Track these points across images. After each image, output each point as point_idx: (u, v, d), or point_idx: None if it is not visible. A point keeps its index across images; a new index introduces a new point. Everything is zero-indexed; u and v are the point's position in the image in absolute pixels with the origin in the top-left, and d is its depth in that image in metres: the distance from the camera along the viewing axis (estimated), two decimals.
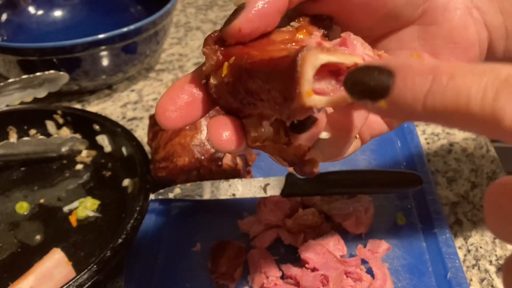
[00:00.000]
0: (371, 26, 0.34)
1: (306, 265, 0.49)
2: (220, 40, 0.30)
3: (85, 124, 0.66)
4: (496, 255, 0.53)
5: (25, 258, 0.54)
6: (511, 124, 0.19)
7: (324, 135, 0.30)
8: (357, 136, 0.36)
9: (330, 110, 0.29)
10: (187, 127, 0.55)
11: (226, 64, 0.29)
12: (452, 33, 0.34)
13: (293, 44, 0.29)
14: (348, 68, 0.25)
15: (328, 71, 0.25)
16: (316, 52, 0.24)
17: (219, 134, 0.29)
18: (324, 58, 0.24)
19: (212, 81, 0.30)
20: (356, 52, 0.27)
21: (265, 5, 0.29)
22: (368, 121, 0.34)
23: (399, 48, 0.35)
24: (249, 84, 0.28)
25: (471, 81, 0.20)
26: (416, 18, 0.34)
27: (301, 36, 0.30)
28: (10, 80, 0.64)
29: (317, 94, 0.25)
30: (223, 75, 0.29)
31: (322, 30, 0.31)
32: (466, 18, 0.34)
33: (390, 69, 0.22)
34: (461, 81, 0.20)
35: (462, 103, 0.20)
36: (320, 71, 0.24)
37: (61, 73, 0.66)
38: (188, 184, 0.50)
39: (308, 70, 0.24)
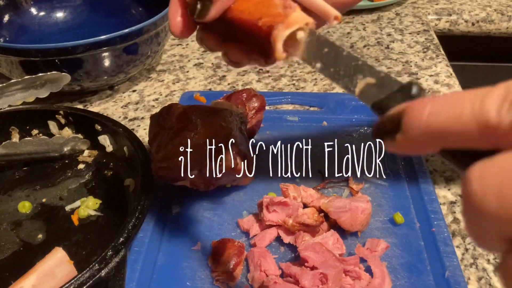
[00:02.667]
0: None
1: (306, 264, 0.49)
2: None
3: (87, 124, 0.67)
4: (493, 254, 0.53)
5: (27, 257, 0.54)
6: (496, 120, 0.23)
7: None
8: None
9: None
10: (187, 128, 0.56)
11: None
12: None
13: None
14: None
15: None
16: (282, 30, 0.35)
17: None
18: (287, 32, 0.35)
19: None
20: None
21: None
22: None
23: None
24: (230, 30, 0.39)
25: (463, 98, 0.24)
26: None
27: None
28: (13, 81, 0.64)
29: (286, 47, 0.36)
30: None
31: None
32: None
33: (400, 110, 0.27)
34: (455, 99, 0.25)
35: (457, 113, 0.24)
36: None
37: (63, 73, 0.67)
38: None
39: (279, 44, 0.36)
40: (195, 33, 0.43)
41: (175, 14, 0.41)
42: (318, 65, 0.34)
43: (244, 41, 0.39)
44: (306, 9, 0.39)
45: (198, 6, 0.38)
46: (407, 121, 0.26)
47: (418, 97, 0.28)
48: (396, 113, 0.27)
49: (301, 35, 0.36)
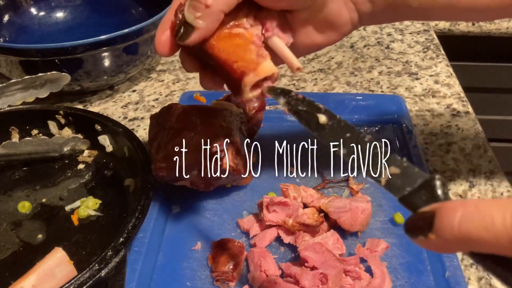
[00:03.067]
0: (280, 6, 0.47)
1: (306, 264, 0.49)
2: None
3: (87, 124, 0.66)
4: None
5: (27, 257, 0.54)
6: None
7: None
8: None
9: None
10: (187, 128, 0.56)
11: None
12: (331, 18, 0.49)
13: (238, 29, 0.44)
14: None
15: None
16: (252, 77, 0.41)
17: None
18: (255, 78, 0.41)
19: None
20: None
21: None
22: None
23: (297, 23, 0.49)
24: (209, 61, 0.44)
25: (493, 209, 0.26)
26: (309, 6, 0.47)
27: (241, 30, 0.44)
28: (13, 81, 0.64)
29: (252, 90, 0.42)
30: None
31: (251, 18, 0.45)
32: (341, 7, 0.49)
33: (432, 210, 0.29)
34: (485, 208, 0.27)
35: (488, 223, 0.26)
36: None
37: (63, 73, 0.67)
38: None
39: (248, 88, 0.42)
40: None
41: (161, 34, 0.45)
42: (344, 151, 0.37)
43: (220, 74, 0.45)
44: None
45: (181, 30, 0.43)
46: (439, 223, 0.28)
47: (442, 195, 0.31)
48: (428, 212, 0.29)
49: (322, 118, 0.39)
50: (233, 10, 0.43)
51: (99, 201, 0.60)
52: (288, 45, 0.47)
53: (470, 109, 0.76)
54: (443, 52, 0.92)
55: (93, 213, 0.59)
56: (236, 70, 0.42)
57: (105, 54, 0.74)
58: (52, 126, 0.68)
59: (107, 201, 0.60)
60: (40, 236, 0.57)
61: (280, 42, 0.46)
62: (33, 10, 0.93)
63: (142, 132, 0.73)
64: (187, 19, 0.42)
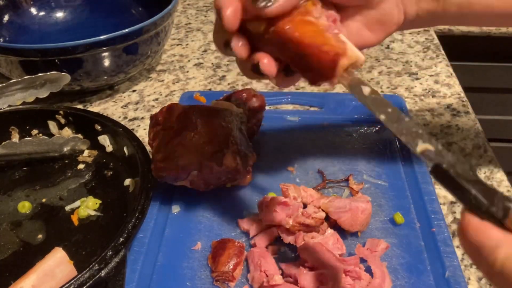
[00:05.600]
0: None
1: (306, 264, 0.49)
2: None
3: (87, 124, 0.67)
4: None
5: (27, 257, 0.54)
6: None
7: None
8: None
9: None
10: (187, 128, 0.56)
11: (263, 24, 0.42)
12: (384, 17, 0.49)
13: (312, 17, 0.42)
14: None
15: None
16: (346, 60, 0.40)
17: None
18: (349, 61, 0.40)
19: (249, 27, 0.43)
20: None
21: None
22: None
23: (349, 20, 0.49)
24: (272, 44, 0.42)
25: None
26: (363, 3, 0.48)
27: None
28: (12, 81, 0.64)
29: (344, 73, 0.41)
30: (261, 29, 0.42)
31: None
32: (393, 7, 0.49)
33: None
34: None
35: None
36: None
37: (63, 73, 0.67)
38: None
39: (342, 71, 0.41)
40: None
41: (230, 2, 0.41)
42: (383, 116, 0.38)
43: (294, 61, 0.43)
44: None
45: None
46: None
47: None
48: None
49: (366, 90, 0.40)
50: None
51: (99, 201, 0.60)
52: None
53: (470, 109, 0.76)
54: (443, 52, 0.92)
55: (93, 213, 0.59)
56: (327, 52, 0.40)
57: (105, 54, 0.74)
58: (52, 126, 0.68)
59: (107, 201, 0.60)
60: (40, 236, 0.57)
61: (344, 37, 0.44)
62: (33, 10, 0.93)
63: (142, 132, 0.73)
64: None
